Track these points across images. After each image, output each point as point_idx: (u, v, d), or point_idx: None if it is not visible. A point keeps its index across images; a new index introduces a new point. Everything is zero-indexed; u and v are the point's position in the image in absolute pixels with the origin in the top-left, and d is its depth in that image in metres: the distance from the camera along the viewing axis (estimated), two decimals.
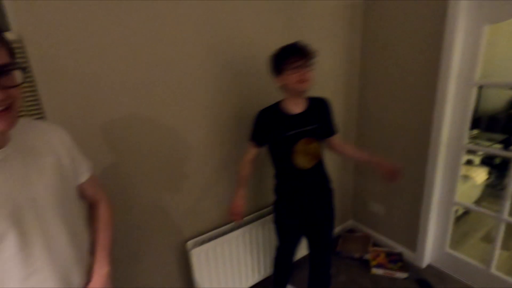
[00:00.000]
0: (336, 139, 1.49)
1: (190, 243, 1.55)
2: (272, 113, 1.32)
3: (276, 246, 1.60)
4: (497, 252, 1.69)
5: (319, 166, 1.40)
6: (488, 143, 3.26)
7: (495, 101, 3.33)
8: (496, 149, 2.99)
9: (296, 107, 1.31)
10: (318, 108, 1.37)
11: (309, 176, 1.38)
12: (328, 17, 1.81)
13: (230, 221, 1.69)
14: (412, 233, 2.02)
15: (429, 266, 2.03)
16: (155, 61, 1.28)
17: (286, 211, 1.45)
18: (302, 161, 1.34)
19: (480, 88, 1.63)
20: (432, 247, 2.01)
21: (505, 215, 1.61)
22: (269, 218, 1.77)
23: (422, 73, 1.74)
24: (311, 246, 1.53)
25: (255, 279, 1.86)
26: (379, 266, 2.00)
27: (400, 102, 1.90)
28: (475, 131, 3.71)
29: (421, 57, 1.72)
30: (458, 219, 2.68)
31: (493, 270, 1.73)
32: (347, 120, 2.16)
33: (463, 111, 1.69)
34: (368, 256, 2.08)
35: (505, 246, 1.53)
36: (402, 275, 1.93)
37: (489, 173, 3.04)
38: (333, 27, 1.86)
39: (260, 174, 1.78)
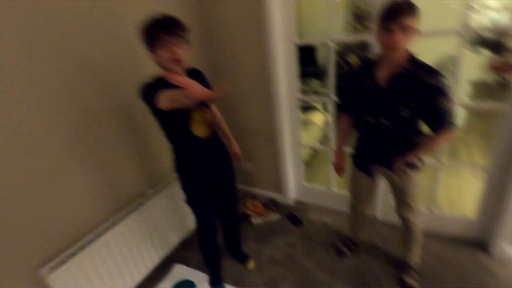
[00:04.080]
0: (214, 107, 1.57)
1: (44, 269, 1.31)
2: (159, 85, 1.16)
3: (196, 224, 1.60)
4: (334, 175, 2.17)
5: (215, 133, 1.47)
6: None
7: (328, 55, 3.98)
8: (319, 96, 3.69)
9: (178, 79, 1.25)
10: (197, 78, 1.34)
11: (210, 145, 1.42)
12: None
13: (90, 230, 1.53)
14: (277, 179, 2.34)
15: (295, 201, 2.44)
16: None
17: (196, 186, 1.47)
18: (201, 130, 1.35)
19: (300, 46, 1.92)
20: (293, 185, 2.40)
21: (332, 145, 2.06)
22: (141, 208, 1.71)
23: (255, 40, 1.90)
24: (220, 206, 1.68)
25: (145, 271, 1.80)
26: (258, 216, 2.26)
27: (244, 65, 2.05)
28: (317, 82, 4.46)
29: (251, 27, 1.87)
30: (314, 156, 3.27)
31: (334, 189, 2.23)
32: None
33: (290, 67, 1.97)
34: (247, 211, 2.30)
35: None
36: (275, 216, 2.25)
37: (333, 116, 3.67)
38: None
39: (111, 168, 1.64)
